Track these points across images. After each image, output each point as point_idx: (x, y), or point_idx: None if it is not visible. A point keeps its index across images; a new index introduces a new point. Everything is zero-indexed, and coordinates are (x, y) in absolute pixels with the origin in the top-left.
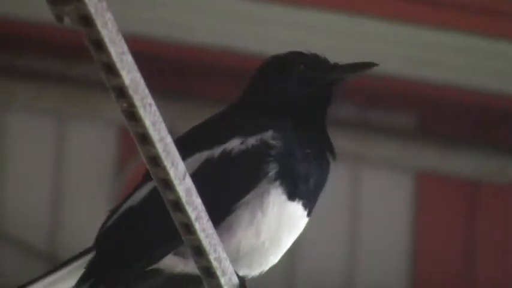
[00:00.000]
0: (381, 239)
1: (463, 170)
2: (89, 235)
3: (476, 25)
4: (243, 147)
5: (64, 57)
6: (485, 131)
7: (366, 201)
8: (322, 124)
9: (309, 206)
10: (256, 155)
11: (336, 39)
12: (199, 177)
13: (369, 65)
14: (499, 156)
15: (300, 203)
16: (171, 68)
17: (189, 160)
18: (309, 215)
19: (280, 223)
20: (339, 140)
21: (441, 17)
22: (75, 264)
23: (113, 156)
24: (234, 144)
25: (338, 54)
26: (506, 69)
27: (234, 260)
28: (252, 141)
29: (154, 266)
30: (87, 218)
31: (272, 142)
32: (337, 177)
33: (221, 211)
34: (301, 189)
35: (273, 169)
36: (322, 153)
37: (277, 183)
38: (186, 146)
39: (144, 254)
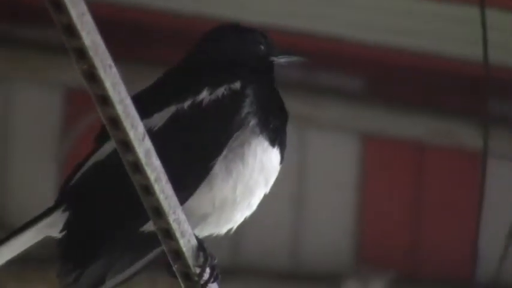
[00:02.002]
0: (327, 201)
1: (410, 133)
2: (36, 198)
3: None
4: (213, 97)
5: (9, 19)
6: (432, 94)
7: (313, 163)
8: (274, 86)
9: (282, 154)
10: (228, 105)
11: (281, 1)
12: (170, 131)
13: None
14: (446, 119)
15: (278, 150)
16: (116, 32)
17: (158, 114)
18: (280, 163)
19: (261, 171)
20: (286, 102)
21: None
22: (39, 225)
23: (60, 119)
24: (203, 95)
25: (285, 17)
26: (455, 32)
27: (205, 215)
28: (221, 91)
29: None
30: (34, 181)
31: (242, 92)
32: None
33: (199, 167)
34: (278, 137)
35: (250, 118)
36: (283, 107)
37: (258, 131)
38: (150, 101)
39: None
